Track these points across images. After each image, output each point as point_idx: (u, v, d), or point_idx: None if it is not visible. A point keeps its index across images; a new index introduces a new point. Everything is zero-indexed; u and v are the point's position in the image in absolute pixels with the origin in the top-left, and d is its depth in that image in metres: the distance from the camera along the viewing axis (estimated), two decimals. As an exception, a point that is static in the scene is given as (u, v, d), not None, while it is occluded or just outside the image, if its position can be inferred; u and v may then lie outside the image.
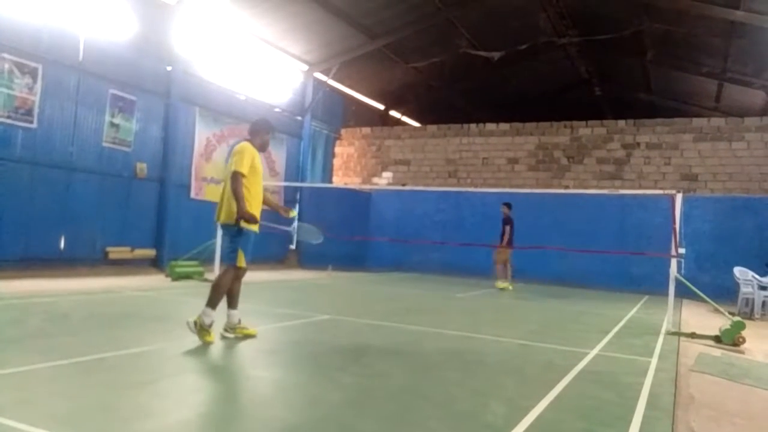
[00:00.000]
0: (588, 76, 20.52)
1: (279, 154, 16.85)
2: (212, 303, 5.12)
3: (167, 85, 12.93)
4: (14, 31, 9.86)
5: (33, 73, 10.18)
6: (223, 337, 5.40)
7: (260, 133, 5.58)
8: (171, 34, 12.90)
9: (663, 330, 7.66)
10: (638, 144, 16.59)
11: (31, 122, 10.21)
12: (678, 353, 6.18)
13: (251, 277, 12.33)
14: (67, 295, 7.83)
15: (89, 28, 11.18)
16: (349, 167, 20.19)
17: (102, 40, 11.46)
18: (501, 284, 12.94)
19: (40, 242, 10.43)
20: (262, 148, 5.56)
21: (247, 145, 5.39)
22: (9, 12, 9.82)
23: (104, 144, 11.54)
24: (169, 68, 12.97)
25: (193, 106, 13.71)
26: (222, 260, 5.41)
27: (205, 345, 4.99)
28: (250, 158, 5.27)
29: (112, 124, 11.70)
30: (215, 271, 10.68)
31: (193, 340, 5.08)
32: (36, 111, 10.26)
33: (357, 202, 18.31)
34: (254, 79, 15.84)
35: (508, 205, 13.08)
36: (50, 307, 6.85)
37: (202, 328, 5.00)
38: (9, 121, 9.85)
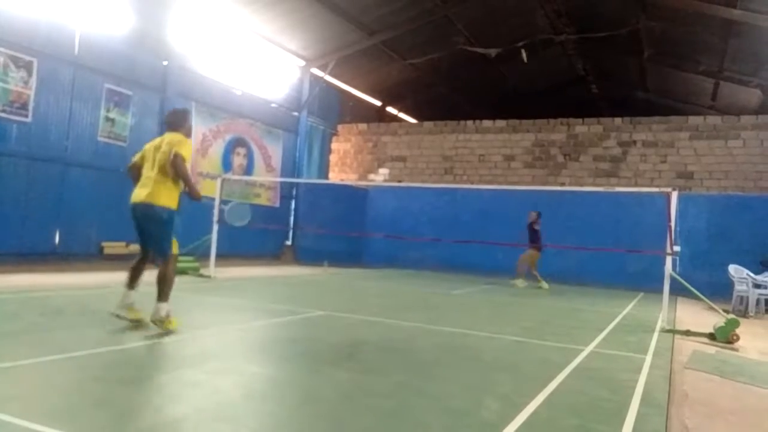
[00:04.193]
0: (585, 73, 20.55)
1: (275, 150, 16.83)
2: (165, 296, 5.11)
3: (163, 80, 12.88)
4: (9, 24, 9.81)
5: (28, 67, 10.13)
6: (118, 316, 5.30)
7: (186, 120, 5.61)
8: (167, 29, 12.85)
9: (658, 327, 7.69)
10: (634, 142, 16.62)
11: (26, 116, 10.17)
12: (672, 350, 6.20)
13: (247, 272, 12.37)
14: (62, 290, 7.80)
15: (85, 22, 11.13)
16: (345, 163, 20.17)
17: (98, 34, 11.41)
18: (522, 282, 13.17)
19: (35, 237, 10.40)
20: (189, 133, 5.63)
21: (182, 136, 5.42)
22: (4, 5, 9.77)
23: (100, 138, 11.50)
24: (165, 63, 12.92)
25: (189, 100, 13.66)
26: (156, 251, 5.37)
27: (170, 332, 5.03)
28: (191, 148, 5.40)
29: (108, 119, 11.65)
30: (211, 266, 10.68)
31: (188, 336, 5.08)
32: (31, 105, 10.22)
33: (353, 198, 18.30)
34: (251, 75, 15.81)
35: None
36: (45, 301, 6.83)
37: (162, 321, 5.03)
38: (4, 115, 9.81)
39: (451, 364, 5.00)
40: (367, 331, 6.39)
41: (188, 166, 5.30)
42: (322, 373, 4.28)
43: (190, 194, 5.35)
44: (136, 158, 5.51)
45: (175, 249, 5.35)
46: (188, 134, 5.55)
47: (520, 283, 13.09)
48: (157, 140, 5.48)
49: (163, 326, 5.02)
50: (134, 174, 5.45)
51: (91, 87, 11.28)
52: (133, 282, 5.38)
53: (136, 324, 5.29)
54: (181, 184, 5.33)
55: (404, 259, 17.16)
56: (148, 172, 5.29)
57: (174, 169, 5.17)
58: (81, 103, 11.08)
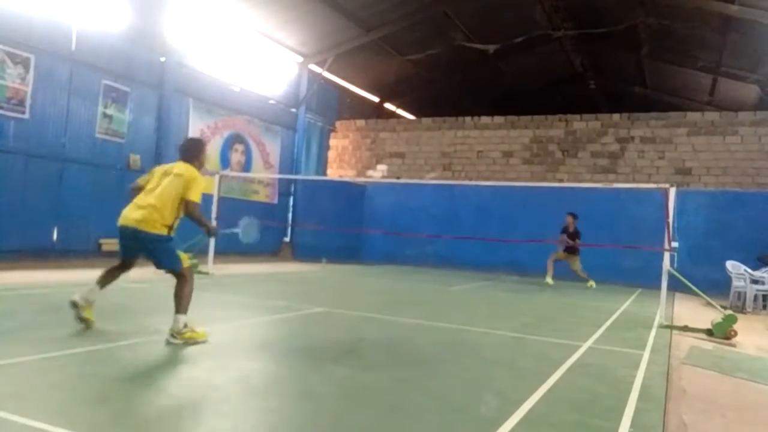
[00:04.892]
0: (583, 69, 20.53)
1: (273, 147, 16.81)
2: (181, 309, 4.87)
3: (161, 76, 12.85)
4: (6, 20, 9.78)
5: (25, 63, 10.09)
6: (74, 305, 5.04)
7: (201, 152, 5.39)
8: (165, 25, 12.81)
9: (655, 323, 7.71)
10: (632, 138, 16.63)
11: (24, 113, 10.14)
12: (670, 346, 6.21)
13: (246, 269, 12.37)
14: (60, 286, 7.78)
15: (82, 18, 11.10)
16: (343, 160, 20.16)
17: (95, 30, 11.37)
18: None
19: (33, 234, 10.39)
20: (202, 165, 5.38)
21: (195, 171, 5.15)
22: (1, 1, 9.73)
23: (97, 135, 11.47)
24: (162, 59, 12.89)
25: (186, 97, 13.64)
26: (167, 270, 5.04)
27: (197, 342, 4.80)
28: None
29: (105, 115, 11.63)
30: (209, 262, 10.68)
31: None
32: (28, 102, 10.19)
33: (351, 194, 18.29)
34: (249, 71, 15.77)
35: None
36: (43, 298, 6.82)
37: (180, 333, 4.78)
38: (1, 111, 9.78)
39: (449, 360, 5.00)
40: (365, 327, 6.40)
41: (213, 195, 5.04)
42: (321, 370, 4.29)
43: (208, 233, 5.48)
44: (141, 181, 5.22)
45: (185, 262, 5.06)
46: (201, 166, 5.30)
47: (591, 283, 12.94)
48: (168, 166, 5.25)
49: (180, 337, 4.77)
50: (135, 195, 5.14)
51: (89, 83, 11.25)
52: (104, 282, 5.20)
53: (83, 324, 5.02)
54: (179, 213, 5.02)
55: (402, 256, 17.17)
56: (149, 195, 4.97)
57: (186, 214, 4.98)
58: (78, 99, 11.05)
